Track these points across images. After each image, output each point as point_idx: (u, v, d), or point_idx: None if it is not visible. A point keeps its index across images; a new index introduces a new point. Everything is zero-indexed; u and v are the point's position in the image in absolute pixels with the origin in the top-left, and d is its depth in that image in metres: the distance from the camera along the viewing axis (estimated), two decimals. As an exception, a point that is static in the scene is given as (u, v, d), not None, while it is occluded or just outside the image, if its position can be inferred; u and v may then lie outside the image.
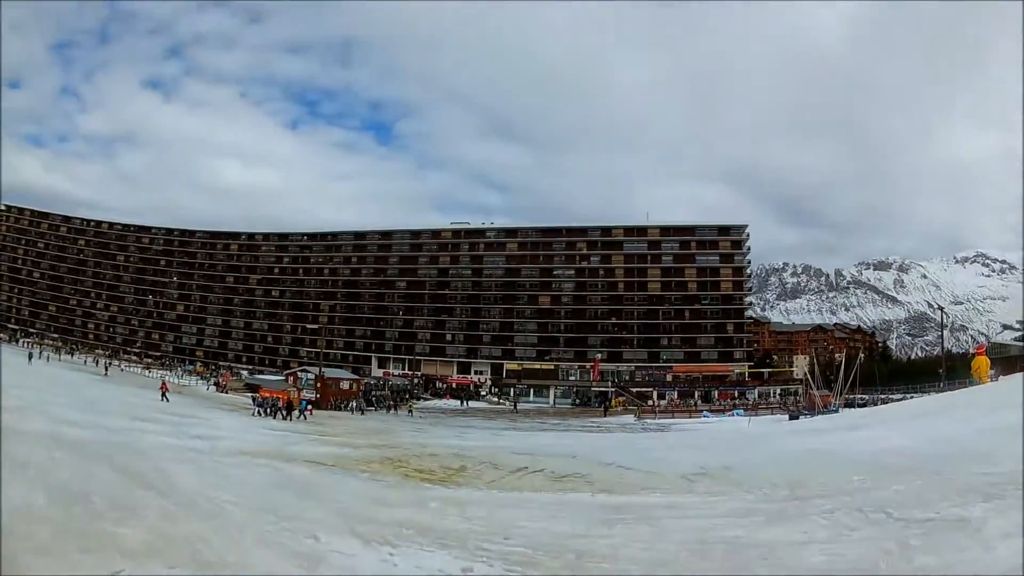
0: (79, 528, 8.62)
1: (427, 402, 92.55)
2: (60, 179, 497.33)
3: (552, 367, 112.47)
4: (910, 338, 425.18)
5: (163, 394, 46.13)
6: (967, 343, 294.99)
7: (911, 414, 34.10)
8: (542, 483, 18.22)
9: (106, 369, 73.97)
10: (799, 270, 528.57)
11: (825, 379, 78.88)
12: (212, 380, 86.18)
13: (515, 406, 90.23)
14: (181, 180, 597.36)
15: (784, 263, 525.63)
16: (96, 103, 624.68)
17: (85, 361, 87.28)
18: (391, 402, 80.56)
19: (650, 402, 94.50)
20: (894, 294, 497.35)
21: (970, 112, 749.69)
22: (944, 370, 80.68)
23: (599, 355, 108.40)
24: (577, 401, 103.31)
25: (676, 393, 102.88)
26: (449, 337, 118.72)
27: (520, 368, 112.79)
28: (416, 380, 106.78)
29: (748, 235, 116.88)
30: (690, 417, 74.82)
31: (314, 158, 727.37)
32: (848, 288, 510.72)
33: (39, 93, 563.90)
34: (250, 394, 61.90)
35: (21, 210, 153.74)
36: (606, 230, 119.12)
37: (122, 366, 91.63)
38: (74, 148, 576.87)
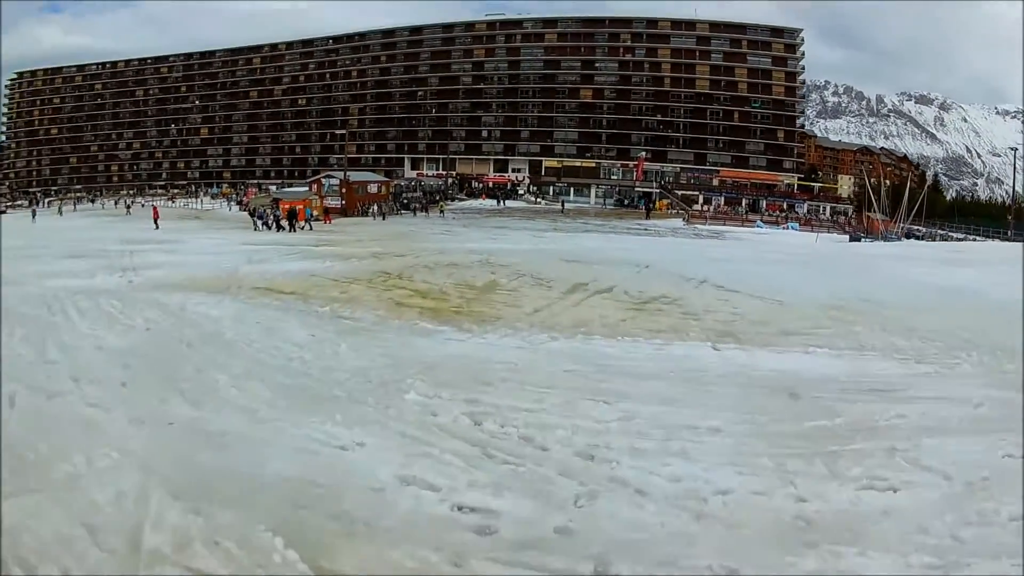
0: None
1: (462, 202, 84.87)
2: (81, 37, 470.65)
3: (593, 165, 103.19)
4: (946, 179, 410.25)
5: (155, 221, 40.81)
6: (1003, 196, 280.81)
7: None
8: (619, 315, 11.09)
9: (127, 208, 68.85)
10: (840, 90, 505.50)
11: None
12: (235, 200, 79.64)
13: (563, 206, 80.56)
14: (205, 10, 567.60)
15: (826, 81, 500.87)
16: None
17: (103, 205, 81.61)
18: (422, 203, 72.90)
19: (695, 207, 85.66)
20: (934, 131, 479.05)
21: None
22: (1012, 217, 72.30)
23: (643, 153, 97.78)
24: (624, 201, 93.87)
25: (723, 199, 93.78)
26: (485, 134, 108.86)
27: (560, 165, 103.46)
28: (451, 180, 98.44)
29: (803, 39, 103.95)
30: (742, 226, 66.46)
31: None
32: (888, 116, 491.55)
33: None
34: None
35: (33, 72, 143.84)
36: (652, 22, 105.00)
37: (143, 202, 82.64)
38: (91, 4, 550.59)
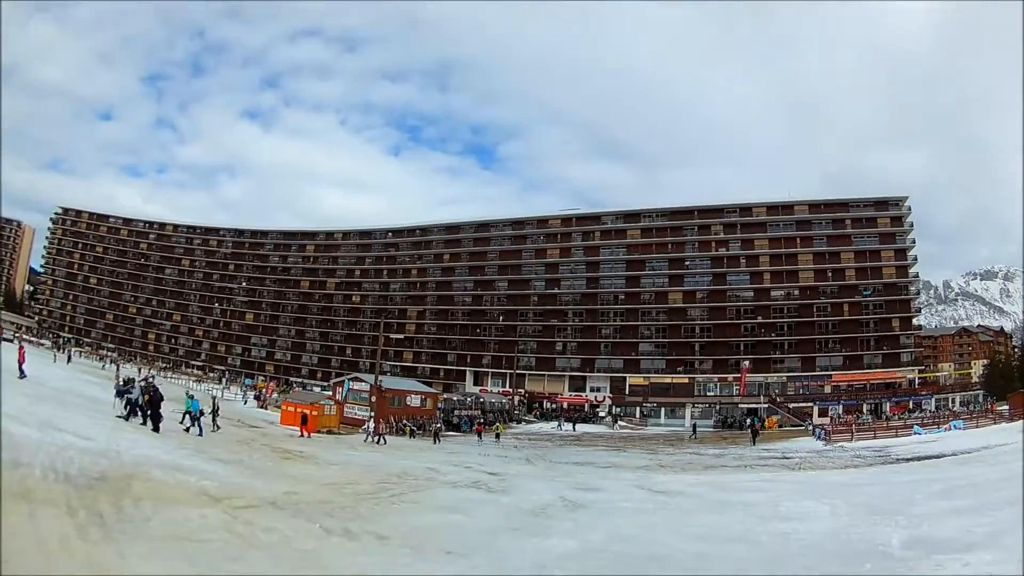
0: None
1: (529, 425, 69.97)
2: (160, 208, 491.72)
3: (686, 380, 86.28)
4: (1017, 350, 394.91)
5: (19, 367, 31.70)
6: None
7: None
8: None
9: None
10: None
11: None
12: (253, 394, 71.52)
13: (695, 429, 61.55)
14: (283, 207, 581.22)
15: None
16: (193, 134, 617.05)
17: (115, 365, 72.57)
18: (477, 425, 56.35)
19: (813, 420, 69.59)
20: (1000, 304, 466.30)
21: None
22: None
23: (746, 363, 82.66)
24: (727, 421, 77.08)
25: (841, 407, 76.81)
26: (559, 347, 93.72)
27: (647, 383, 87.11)
28: (517, 399, 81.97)
29: (909, 208, 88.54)
30: (896, 435, 49.88)
31: (418, 183, 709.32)
32: (956, 300, 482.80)
33: (133, 124, 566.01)
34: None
35: (79, 212, 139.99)
36: (745, 209, 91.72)
37: (166, 376, 78.33)
38: (173, 177, 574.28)
